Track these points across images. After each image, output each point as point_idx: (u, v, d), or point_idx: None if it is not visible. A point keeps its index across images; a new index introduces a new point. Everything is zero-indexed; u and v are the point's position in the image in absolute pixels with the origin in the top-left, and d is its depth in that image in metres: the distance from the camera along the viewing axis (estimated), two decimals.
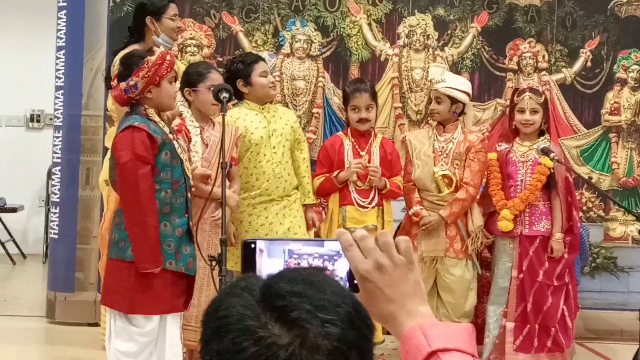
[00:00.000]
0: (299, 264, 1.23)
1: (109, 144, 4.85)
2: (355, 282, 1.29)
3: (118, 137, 3.82)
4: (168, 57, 3.89)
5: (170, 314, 3.96)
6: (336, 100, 6.18)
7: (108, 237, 4.09)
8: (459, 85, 5.04)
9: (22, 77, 9.08)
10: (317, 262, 1.25)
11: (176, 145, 3.94)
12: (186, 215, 3.95)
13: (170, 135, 3.92)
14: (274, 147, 4.74)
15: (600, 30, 6.45)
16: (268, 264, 1.22)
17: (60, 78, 6.06)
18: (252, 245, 1.11)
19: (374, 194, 4.99)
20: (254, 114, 4.80)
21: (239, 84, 4.80)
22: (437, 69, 5.20)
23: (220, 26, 6.27)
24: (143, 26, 4.80)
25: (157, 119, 3.88)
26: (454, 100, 4.98)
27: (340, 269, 1.31)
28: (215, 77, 4.64)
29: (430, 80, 5.07)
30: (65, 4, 5.99)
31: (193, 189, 4.16)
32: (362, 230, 1.28)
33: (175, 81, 4.04)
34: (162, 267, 3.82)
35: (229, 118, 4.81)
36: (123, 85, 3.83)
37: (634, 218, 5.50)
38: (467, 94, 5.10)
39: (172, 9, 4.85)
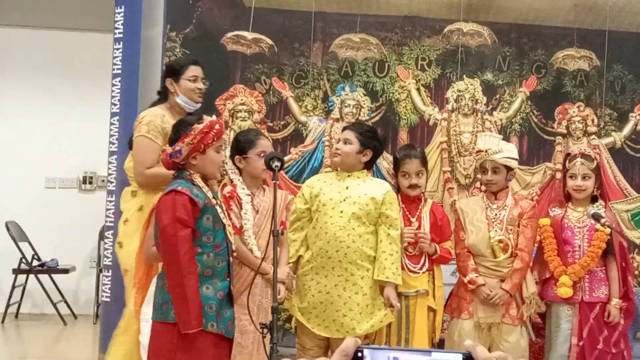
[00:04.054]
0: None
1: (123, 205, 4.91)
2: None
3: (161, 201, 3.86)
4: (217, 126, 3.93)
5: None
6: (385, 165, 6.22)
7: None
8: (513, 153, 5.01)
9: (76, 141, 9.29)
10: None
11: (219, 210, 3.97)
12: (228, 279, 3.98)
13: (214, 201, 3.95)
14: (341, 211, 4.68)
15: None
16: None
17: (114, 144, 6.12)
18: (360, 354, 1.09)
19: (425, 260, 4.97)
20: (335, 178, 4.82)
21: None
22: (491, 138, 5.10)
23: (271, 92, 6.37)
24: (166, 87, 4.85)
25: (201, 184, 3.92)
26: (508, 169, 4.98)
27: None
28: (265, 144, 4.70)
29: (486, 151, 4.94)
30: (120, 71, 6.13)
31: (235, 254, 4.20)
32: (484, 349, 1.09)
33: (223, 150, 4.07)
34: (203, 328, 3.82)
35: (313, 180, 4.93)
36: (169, 150, 3.91)
37: None
38: (516, 159, 5.11)
39: (192, 71, 4.82)
